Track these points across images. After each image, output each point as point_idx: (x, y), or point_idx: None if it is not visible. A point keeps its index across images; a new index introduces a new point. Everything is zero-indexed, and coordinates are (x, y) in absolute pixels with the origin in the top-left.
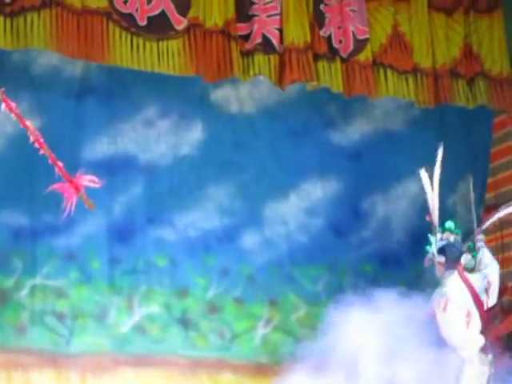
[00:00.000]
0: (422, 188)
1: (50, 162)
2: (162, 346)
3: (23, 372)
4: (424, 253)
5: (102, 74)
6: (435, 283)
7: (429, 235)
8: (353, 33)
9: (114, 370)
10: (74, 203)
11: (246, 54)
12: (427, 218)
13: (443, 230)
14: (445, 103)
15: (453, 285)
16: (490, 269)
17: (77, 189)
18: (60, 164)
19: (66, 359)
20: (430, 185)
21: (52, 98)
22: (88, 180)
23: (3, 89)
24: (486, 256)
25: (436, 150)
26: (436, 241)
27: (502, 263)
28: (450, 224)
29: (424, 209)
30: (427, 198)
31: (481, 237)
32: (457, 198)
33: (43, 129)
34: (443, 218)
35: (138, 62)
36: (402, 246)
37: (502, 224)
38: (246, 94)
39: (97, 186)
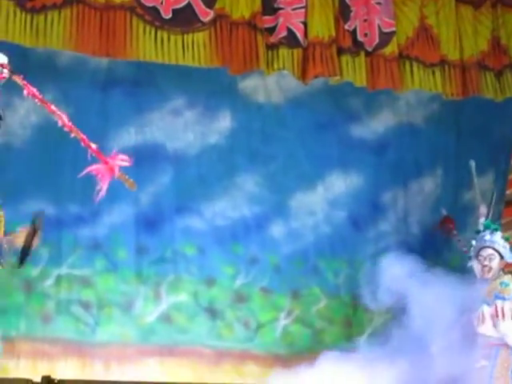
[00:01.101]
0: (437, 183)
1: (82, 144)
2: (187, 335)
3: (48, 361)
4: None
5: (129, 64)
6: None
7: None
8: (378, 26)
9: (139, 360)
10: (106, 185)
11: (271, 48)
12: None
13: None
14: (473, 96)
15: None
16: None
17: (112, 170)
18: (93, 146)
19: (91, 348)
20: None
21: (78, 89)
22: (121, 159)
23: (22, 75)
24: None
25: (456, 144)
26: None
27: None
28: (488, 223)
29: (439, 204)
30: (476, 192)
31: None
32: (477, 192)
33: (70, 120)
34: (463, 213)
35: (162, 55)
36: (417, 240)
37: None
38: (273, 83)
39: (128, 164)
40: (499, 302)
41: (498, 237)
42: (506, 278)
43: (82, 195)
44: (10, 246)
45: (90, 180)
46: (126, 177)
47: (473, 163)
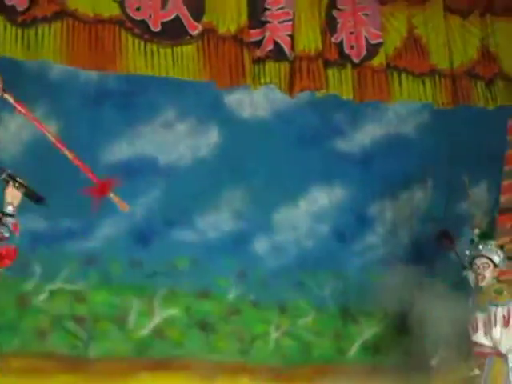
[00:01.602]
0: (426, 194)
1: (74, 164)
2: (181, 349)
3: (42, 377)
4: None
5: (119, 77)
6: None
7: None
8: (366, 37)
9: (133, 375)
10: (99, 205)
11: (258, 62)
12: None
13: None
14: (463, 104)
15: None
16: None
17: (103, 190)
18: (86, 167)
19: (85, 364)
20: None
21: (69, 103)
22: (112, 181)
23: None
24: None
25: (447, 154)
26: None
27: None
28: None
29: (428, 215)
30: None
31: None
32: (471, 202)
33: (61, 133)
34: (458, 222)
35: (152, 68)
36: (407, 252)
37: None
38: (259, 97)
39: (118, 185)
40: (493, 309)
41: (491, 245)
42: (500, 286)
43: (74, 210)
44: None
45: (83, 195)
46: (119, 199)
47: (466, 179)
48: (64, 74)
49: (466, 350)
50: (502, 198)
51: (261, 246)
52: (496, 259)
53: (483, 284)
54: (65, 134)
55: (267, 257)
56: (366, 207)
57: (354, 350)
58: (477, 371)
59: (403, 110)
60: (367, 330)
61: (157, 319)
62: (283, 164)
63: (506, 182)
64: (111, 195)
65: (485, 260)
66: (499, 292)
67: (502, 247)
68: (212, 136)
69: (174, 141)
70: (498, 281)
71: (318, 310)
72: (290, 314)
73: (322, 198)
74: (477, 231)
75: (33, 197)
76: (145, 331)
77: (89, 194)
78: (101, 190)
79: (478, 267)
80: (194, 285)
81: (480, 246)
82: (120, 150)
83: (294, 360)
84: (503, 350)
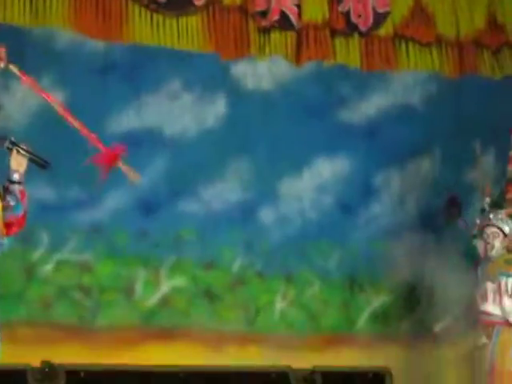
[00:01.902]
0: (434, 164)
1: (81, 134)
2: (188, 319)
3: (49, 346)
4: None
5: (125, 47)
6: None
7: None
8: (373, 6)
9: (141, 344)
10: (106, 175)
11: (263, 32)
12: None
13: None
14: (470, 74)
15: None
16: None
17: (112, 159)
18: (93, 135)
19: (92, 333)
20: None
21: (76, 73)
22: (120, 149)
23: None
24: None
25: (454, 124)
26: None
27: None
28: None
29: (437, 185)
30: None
31: None
32: (478, 172)
33: (67, 103)
34: (465, 193)
35: (158, 39)
36: (414, 222)
37: None
38: (263, 69)
39: (125, 153)
40: (504, 279)
41: (501, 215)
42: (508, 256)
43: (81, 180)
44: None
45: (90, 165)
46: (128, 168)
47: (477, 144)
48: (70, 43)
49: (473, 318)
50: (510, 168)
51: (266, 216)
52: (506, 229)
53: (492, 253)
54: (71, 103)
55: (272, 227)
56: (372, 178)
57: (362, 319)
58: (485, 340)
59: (410, 79)
60: (375, 300)
61: (163, 289)
62: (288, 135)
63: None
64: (120, 164)
65: (495, 229)
66: (510, 262)
67: None
68: (217, 107)
69: (180, 111)
70: (509, 251)
71: (323, 280)
72: (296, 284)
73: (327, 169)
74: (488, 200)
75: (38, 162)
76: (151, 301)
77: (97, 163)
78: (109, 158)
79: (488, 236)
80: (200, 255)
81: (490, 215)
82: (126, 121)
83: (301, 329)
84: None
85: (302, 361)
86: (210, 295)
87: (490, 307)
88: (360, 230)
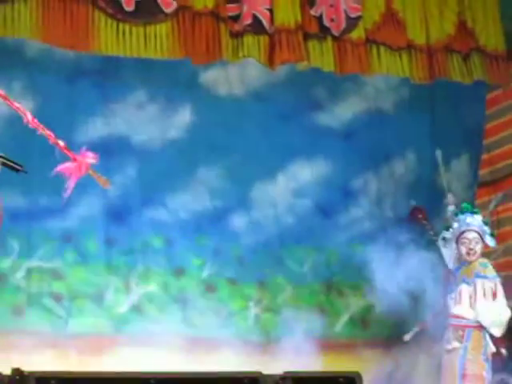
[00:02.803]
0: (407, 168)
1: (50, 142)
2: (159, 325)
3: (21, 354)
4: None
5: (95, 55)
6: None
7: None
8: (345, 11)
9: (113, 350)
10: (75, 183)
11: (236, 36)
12: (447, 200)
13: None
14: (440, 79)
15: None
16: None
17: (81, 167)
18: (61, 143)
19: (64, 340)
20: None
21: (45, 80)
22: (90, 157)
23: None
24: None
25: (428, 128)
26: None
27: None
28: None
29: (411, 188)
30: (443, 181)
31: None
32: (450, 176)
33: (37, 110)
34: (437, 196)
35: (123, 48)
36: (390, 224)
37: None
38: (235, 75)
39: (95, 161)
40: (480, 281)
41: (479, 220)
42: (485, 260)
43: (51, 187)
44: None
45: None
46: (99, 175)
47: (439, 153)
48: (41, 51)
49: (443, 322)
50: (481, 172)
51: (238, 223)
52: (483, 234)
53: (473, 259)
54: (40, 111)
55: (244, 234)
56: (349, 181)
57: (340, 323)
58: (456, 344)
59: (382, 84)
60: (354, 304)
61: (134, 296)
62: (261, 140)
63: (486, 155)
64: (90, 172)
65: (476, 234)
66: (485, 265)
67: (486, 223)
68: (186, 114)
69: (147, 120)
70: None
71: (298, 285)
72: (270, 290)
73: (303, 173)
74: (451, 208)
75: (11, 166)
76: (123, 308)
77: (66, 173)
78: (79, 166)
79: (470, 241)
80: (169, 263)
81: (468, 220)
82: (94, 129)
83: (276, 334)
84: (487, 323)
85: (276, 366)
86: (181, 301)
87: (464, 310)
88: (338, 233)
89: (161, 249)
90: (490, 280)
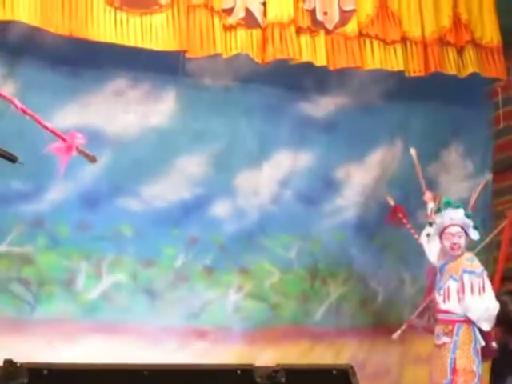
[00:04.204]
0: (394, 158)
1: (38, 125)
2: (128, 314)
3: None
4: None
5: (71, 43)
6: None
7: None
8: (338, 4)
9: (81, 337)
10: (67, 163)
11: (229, 30)
12: (425, 198)
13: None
14: (435, 72)
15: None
16: None
17: (70, 147)
18: (49, 125)
19: (31, 326)
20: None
21: (21, 68)
22: (78, 137)
23: None
24: None
25: (418, 119)
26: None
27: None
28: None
29: (397, 180)
30: (419, 178)
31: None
32: (439, 167)
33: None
34: (432, 188)
35: (121, 37)
36: (374, 215)
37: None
38: (221, 65)
39: (82, 141)
40: (467, 276)
41: (461, 214)
42: (471, 255)
43: (24, 171)
44: None
45: (33, 156)
46: (87, 152)
47: (414, 151)
48: (16, 37)
49: (431, 317)
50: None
51: (219, 211)
52: (467, 228)
53: (458, 253)
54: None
55: (227, 222)
56: (333, 171)
57: (321, 311)
58: (446, 339)
59: (368, 75)
60: (335, 292)
61: (104, 283)
62: (245, 129)
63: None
64: (79, 149)
65: (459, 229)
66: (472, 260)
67: (469, 216)
68: (169, 101)
69: (126, 107)
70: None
71: (283, 271)
72: (254, 276)
73: (287, 163)
74: (431, 205)
75: (7, 157)
76: (93, 294)
77: (56, 152)
78: (68, 147)
79: (453, 236)
80: (139, 252)
81: (451, 214)
82: (70, 116)
83: (256, 322)
84: (476, 318)
85: (255, 355)
86: (149, 292)
87: (452, 306)
88: (321, 222)
89: (132, 238)
90: (478, 275)
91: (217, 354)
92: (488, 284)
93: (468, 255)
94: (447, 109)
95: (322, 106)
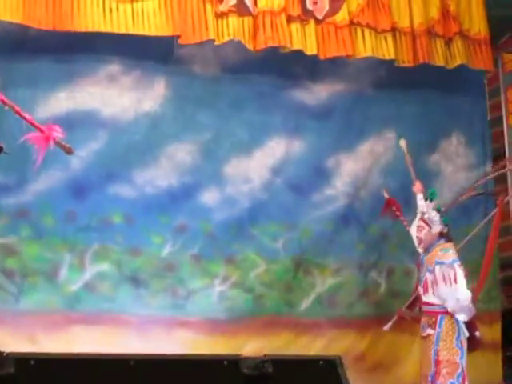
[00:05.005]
0: (386, 148)
1: (17, 115)
2: (112, 304)
3: None
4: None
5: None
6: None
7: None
8: None
9: (65, 328)
10: (44, 154)
11: (221, 16)
12: (414, 189)
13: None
14: (423, 62)
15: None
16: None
17: (48, 138)
18: (28, 116)
19: (15, 317)
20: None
21: (6, 56)
22: (56, 130)
23: None
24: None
25: (404, 110)
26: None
27: None
28: (433, 192)
29: (388, 169)
30: (409, 168)
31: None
32: (440, 157)
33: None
34: (428, 178)
35: (111, 25)
36: (364, 204)
37: None
38: (210, 52)
39: (61, 136)
40: (438, 268)
41: (429, 207)
42: (447, 246)
43: (7, 163)
44: None
45: (16, 147)
46: (63, 143)
47: (403, 142)
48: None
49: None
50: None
51: (208, 199)
52: (429, 221)
53: (421, 247)
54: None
55: (215, 210)
56: (325, 160)
57: (307, 302)
58: (430, 330)
59: (361, 63)
60: (321, 283)
61: (88, 274)
62: (236, 117)
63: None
64: (56, 141)
65: (421, 222)
66: (445, 251)
67: (438, 209)
68: (159, 89)
69: (117, 94)
70: (446, 241)
71: (269, 262)
72: (240, 266)
73: (278, 151)
74: (420, 197)
75: None
76: (76, 285)
77: (33, 142)
78: (46, 137)
79: (418, 228)
80: (127, 241)
81: (419, 207)
82: (58, 104)
83: (242, 312)
84: (450, 309)
85: (239, 345)
86: (134, 281)
87: (431, 298)
88: (311, 211)
89: (119, 226)
90: (448, 265)
91: (201, 344)
92: (460, 274)
93: (443, 246)
94: (444, 98)
95: (315, 94)
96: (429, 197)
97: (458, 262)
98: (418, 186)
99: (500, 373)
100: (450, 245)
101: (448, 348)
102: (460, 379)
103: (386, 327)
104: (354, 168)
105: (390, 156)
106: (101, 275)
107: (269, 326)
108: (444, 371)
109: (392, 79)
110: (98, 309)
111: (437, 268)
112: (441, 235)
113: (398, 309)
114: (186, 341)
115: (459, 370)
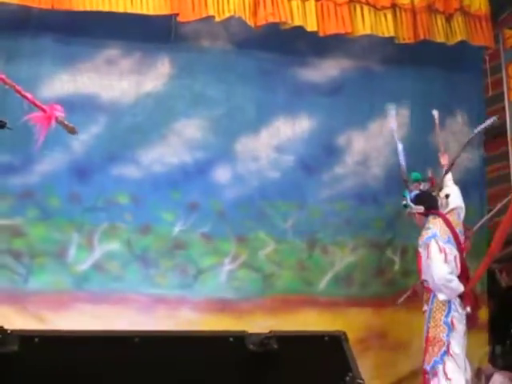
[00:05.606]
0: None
1: (18, 95)
2: (121, 283)
3: None
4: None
5: (60, 12)
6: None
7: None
8: None
9: (73, 307)
10: (45, 133)
11: None
12: (443, 161)
13: (413, 181)
14: (424, 39)
15: (438, 229)
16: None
17: (50, 118)
18: (29, 95)
19: (24, 297)
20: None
21: (7, 38)
22: (58, 109)
23: None
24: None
25: (414, 87)
26: (408, 193)
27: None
28: (416, 175)
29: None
30: (398, 151)
31: (449, 176)
32: (446, 135)
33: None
34: (433, 156)
35: (109, 4)
36: (378, 182)
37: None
38: (218, 28)
39: (62, 115)
40: (420, 246)
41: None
42: (431, 222)
43: (12, 143)
44: None
45: (21, 128)
46: (66, 122)
47: (436, 112)
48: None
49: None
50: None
51: (219, 176)
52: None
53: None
54: (4, 70)
55: (225, 188)
56: (335, 138)
57: (323, 281)
58: (425, 307)
59: (368, 40)
60: (341, 261)
61: (97, 253)
62: (244, 94)
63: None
64: (59, 120)
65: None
66: (428, 228)
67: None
68: (165, 67)
69: (119, 75)
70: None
71: (278, 242)
72: (249, 245)
73: (287, 129)
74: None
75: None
76: (84, 265)
77: (35, 122)
78: (48, 117)
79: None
80: (136, 219)
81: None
82: (59, 86)
83: (250, 292)
84: (430, 285)
85: (250, 324)
86: (144, 260)
87: (423, 275)
88: (321, 190)
89: (126, 206)
90: (424, 243)
91: (210, 323)
92: (434, 251)
93: (429, 223)
94: (447, 75)
95: (322, 71)
96: (413, 179)
97: (437, 238)
98: (445, 158)
99: (486, 353)
100: (434, 221)
101: (436, 325)
102: (444, 357)
103: (400, 301)
104: (365, 146)
105: (404, 132)
106: (110, 254)
107: (281, 304)
108: (430, 349)
109: (401, 55)
110: (106, 288)
111: (420, 246)
112: (427, 211)
113: (413, 284)
114: (195, 320)
115: (444, 348)
